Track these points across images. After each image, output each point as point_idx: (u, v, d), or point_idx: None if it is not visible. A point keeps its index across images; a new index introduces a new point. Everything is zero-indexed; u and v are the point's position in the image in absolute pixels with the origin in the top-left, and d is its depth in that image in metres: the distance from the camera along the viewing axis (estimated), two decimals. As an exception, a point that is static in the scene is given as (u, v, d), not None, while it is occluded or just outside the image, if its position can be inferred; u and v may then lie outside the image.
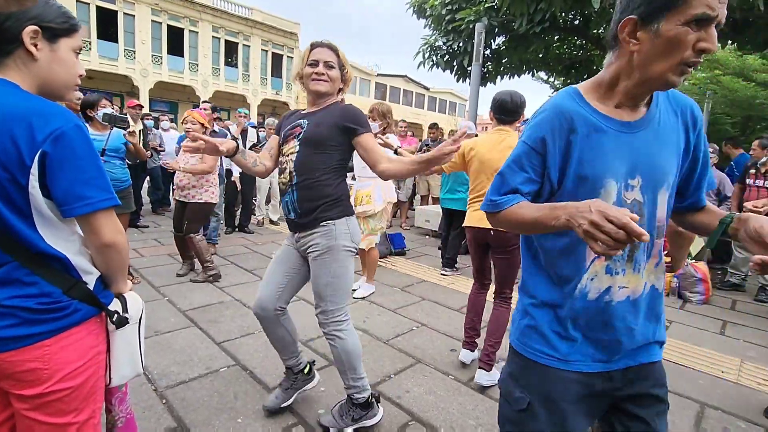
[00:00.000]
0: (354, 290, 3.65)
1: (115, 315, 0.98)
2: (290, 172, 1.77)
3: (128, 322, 1.01)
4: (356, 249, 1.84)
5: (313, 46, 1.81)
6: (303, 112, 1.91)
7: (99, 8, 18.25)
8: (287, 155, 1.82)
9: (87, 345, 0.93)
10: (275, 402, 1.96)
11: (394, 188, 3.70)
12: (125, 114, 3.83)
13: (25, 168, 0.81)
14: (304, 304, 3.38)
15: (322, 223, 1.75)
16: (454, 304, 3.57)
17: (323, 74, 1.77)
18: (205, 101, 4.98)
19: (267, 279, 1.89)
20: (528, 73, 9.33)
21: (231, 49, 22.97)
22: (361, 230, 3.52)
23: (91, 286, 0.94)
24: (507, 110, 2.37)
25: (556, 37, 8.30)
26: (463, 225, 2.51)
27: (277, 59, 24.75)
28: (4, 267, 0.84)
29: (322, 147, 1.77)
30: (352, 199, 3.54)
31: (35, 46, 0.86)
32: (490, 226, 2.26)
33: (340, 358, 1.82)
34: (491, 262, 2.55)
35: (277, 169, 1.90)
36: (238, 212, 6.03)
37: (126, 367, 1.04)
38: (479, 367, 2.34)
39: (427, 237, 6.35)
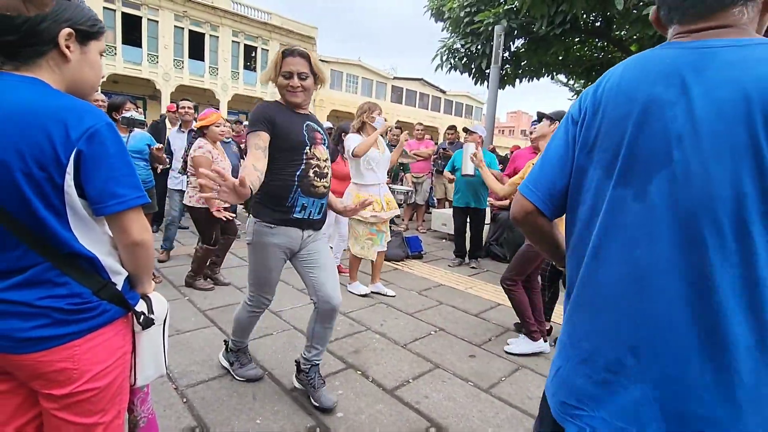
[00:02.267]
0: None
1: (142, 316, 0.99)
2: (330, 179, 1.97)
3: (154, 323, 1.02)
4: None
5: (285, 54, 1.83)
6: (302, 113, 1.94)
7: (124, 14, 18.78)
8: (324, 161, 1.93)
9: (114, 345, 0.94)
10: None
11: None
12: (144, 118, 3.90)
13: (62, 166, 0.82)
14: (321, 306, 3.38)
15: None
16: (472, 309, 3.52)
17: (298, 87, 1.83)
18: (185, 98, 4.75)
19: (275, 282, 2.07)
20: (547, 76, 9.19)
21: (250, 53, 23.33)
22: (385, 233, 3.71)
23: (119, 287, 0.95)
24: None
25: (576, 39, 8.16)
26: None
27: (294, 63, 25.03)
28: (36, 267, 0.84)
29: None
30: (383, 204, 3.66)
31: (68, 47, 0.87)
32: None
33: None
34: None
35: (307, 170, 1.88)
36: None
37: (150, 367, 1.05)
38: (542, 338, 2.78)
39: (444, 240, 6.30)
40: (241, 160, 5.56)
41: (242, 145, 5.55)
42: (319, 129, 1.97)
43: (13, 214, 0.81)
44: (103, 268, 0.91)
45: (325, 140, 1.98)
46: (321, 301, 1.97)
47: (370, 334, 2.91)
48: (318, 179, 1.90)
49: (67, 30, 0.86)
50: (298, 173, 1.84)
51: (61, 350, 0.86)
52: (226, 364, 2.28)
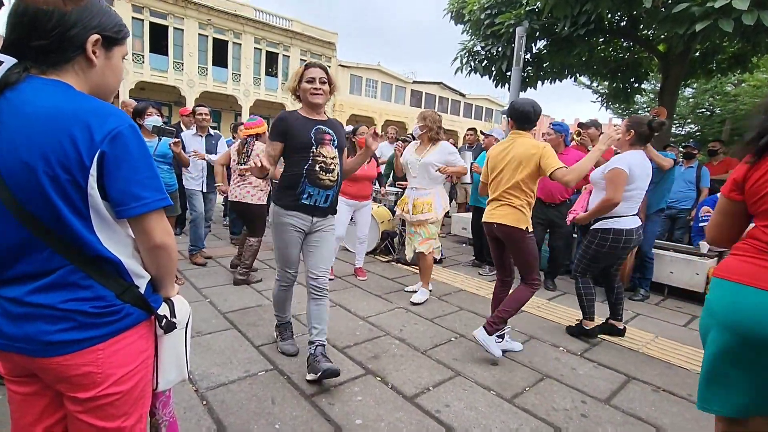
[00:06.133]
0: (411, 292, 3.88)
1: (164, 319, 0.98)
2: (338, 174, 2.34)
3: (176, 327, 1.01)
4: None
5: (307, 66, 2.28)
6: (313, 119, 2.31)
7: (152, 24, 19.44)
8: (330, 158, 2.29)
9: (137, 349, 0.94)
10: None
11: (446, 197, 3.73)
12: (172, 126, 3.92)
13: (85, 169, 0.81)
14: (339, 308, 3.37)
15: (334, 213, 2.45)
16: (493, 316, 3.44)
17: (319, 89, 2.24)
18: (201, 105, 4.69)
19: (295, 258, 2.42)
20: (570, 78, 8.99)
21: (272, 59, 23.76)
22: (421, 236, 3.70)
23: (142, 290, 0.95)
24: (530, 120, 2.63)
25: (601, 40, 7.95)
26: (482, 221, 2.77)
27: (315, 68, 25.35)
28: (61, 270, 0.85)
29: (342, 154, 2.39)
30: (409, 207, 3.71)
31: (95, 53, 0.88)
32: (496, 221, 2.61)
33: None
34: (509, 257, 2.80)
35: (313, 165, 2.26)
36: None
37: (172, 371, 1.04)
38: (483, 326, 2.61)
39: (464, 245, 6.22)
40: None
41: None
42: (330, 131, 2.31)
43: (38, 217, 0.82)
44: (126, 271, 0.91)
45: (334, 140, 2.31)
46: (308, 275, 2.39)
47: (390, 340, 2.87)
48: (324, 173, 2.27)
49: (95, 36, 0.87)
50: (306, 167, 2.24)
51: (86, 354, 0.86)
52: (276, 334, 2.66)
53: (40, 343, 0.83)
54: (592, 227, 2.94)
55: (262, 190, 3.90)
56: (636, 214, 2.86)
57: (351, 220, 4.32)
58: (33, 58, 0.85)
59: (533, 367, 2.59)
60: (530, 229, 2.59)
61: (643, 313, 3.74)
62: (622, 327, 3.09)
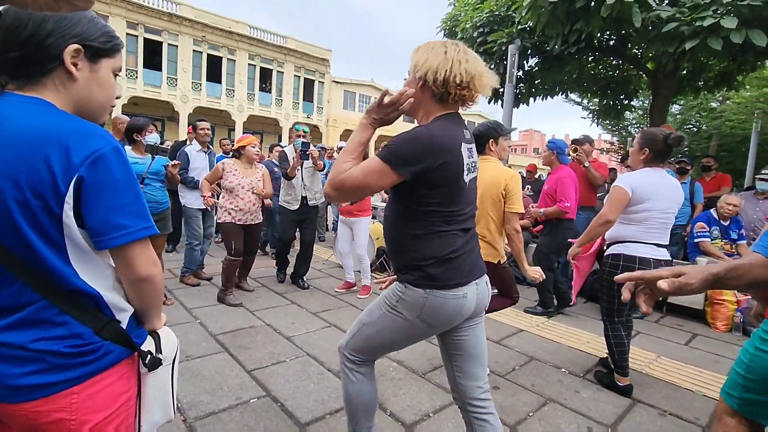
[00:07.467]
0: None
1: (148, 356, 0.89)
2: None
3: (161, 364, 0.92)
4: (402, 316, 1.35)
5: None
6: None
7: (146, 39, 19.49)
8: None
9: (117, 390, 0.85)
10: None
11: None
12: (166, 146, 3.78)
13: (60, 195, 0.74)
14: (333, 329, 3.27)
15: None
16: (493, 335, 3.36)
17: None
18: (201, 119, 4.54)
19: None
20: (561, 94, 9.13)
21: (265, 75, 23.90)
22: None
23: (124, 325, 0.86)
24: (483, 142, 2.53)
25: (591, 58, 8.11)
26: None
27: (309, 84, 25.54)
28: (32, 306, 0.76)
29: None
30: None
31: (75, 65, 0.81)
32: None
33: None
34: None
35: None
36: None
37: (157, 413, 0.95)
38: None
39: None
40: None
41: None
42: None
43: (6, 247, 0.74)
44: (106, 305, 0.83)
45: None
46: (470, 392, 1.47)
47: (387, 362, 2.77)
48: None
49: (74, 46, 0.79)
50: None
51: (58, 398, 0.77)
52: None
53: (6, 387, 0.74)
54: (605, 254, 2.58)
55: (221, 207, 3.80)
56: (660, 245, 2.46)
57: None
58: (9, 73, 0.78)
59: (536, 391, 2.51)
60: (503, 261, 2.51)
61: (643, 331, 3.68)
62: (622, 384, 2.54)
